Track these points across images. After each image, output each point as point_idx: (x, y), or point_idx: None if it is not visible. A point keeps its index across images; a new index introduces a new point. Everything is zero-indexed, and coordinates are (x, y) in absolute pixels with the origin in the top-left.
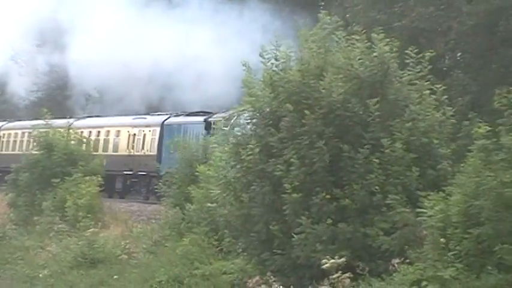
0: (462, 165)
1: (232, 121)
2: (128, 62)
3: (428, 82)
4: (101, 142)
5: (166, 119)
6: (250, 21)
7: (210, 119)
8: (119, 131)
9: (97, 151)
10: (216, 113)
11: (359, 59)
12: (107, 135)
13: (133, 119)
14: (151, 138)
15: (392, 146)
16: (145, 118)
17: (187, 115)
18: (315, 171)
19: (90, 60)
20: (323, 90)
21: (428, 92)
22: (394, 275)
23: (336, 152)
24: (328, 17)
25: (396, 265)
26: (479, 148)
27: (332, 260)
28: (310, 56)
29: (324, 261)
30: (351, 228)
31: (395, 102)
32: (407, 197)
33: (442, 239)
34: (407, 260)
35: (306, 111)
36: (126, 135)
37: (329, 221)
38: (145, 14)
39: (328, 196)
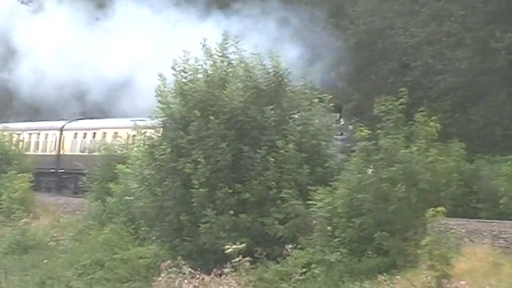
0: (346, 163)
1: None
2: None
3: (316, 91)
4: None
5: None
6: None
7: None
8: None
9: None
10: None
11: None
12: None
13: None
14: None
15: (286, 147)
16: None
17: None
18: (219, 168)
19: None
20: (226, 99)
21: (317, 100)
22: (287, 258)
23: (237, 152)
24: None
25: (289, 250)
26: (361, 149)
27: (234, 246)
28: (214, 68)
29: (226, 247)
30: (250, 218)
31: (288, 108)
32: (299, 191)
33: (329, 227)
34: (299, 246)
35: (211, 117)
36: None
37: (231, 212)
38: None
39: (230, 190)
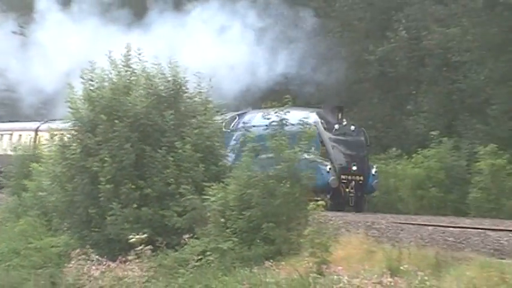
0: (237, 162)
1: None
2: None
3: (211, 99)
4: None
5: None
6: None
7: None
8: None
9: None
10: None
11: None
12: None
13: None
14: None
15: (184, 148)
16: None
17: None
18: (123, 167)
19: None
20: (129, 104)
21: (211, 105)
22: (185, 247)
23: (140, 152)
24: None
25: (187, 239)
26: (250, 149)
27: (137, 236)
28: (118, 77)
29: (130, 236)
30: (152, 211)
31: (186, 113)
32: (195, 187)
33: (222, 219)
34: (195, 236)
35: (116, 121)
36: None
37: (134, 205)
38: None
39: (133, 186)
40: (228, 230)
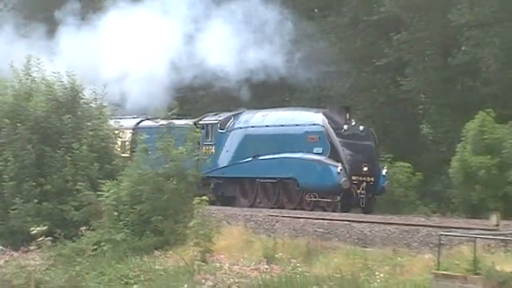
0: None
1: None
2: None
3: (106, 105)
4: None
5: None
6: None
7: None
8: None
9: None
10: None
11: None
12: None
13: None
14: None
15: (80, 148)
16: None
17: None
18: (25, 166)
19: None
20: (31, 109)
21: (106, 110)
22: (82, 238)
23: (40, 152)
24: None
25: (83, 231)
26: (140, 149)
27: (38, 228)
28: (20, 84)
29: (32, 229)
30: (51, 206)
31: (82, 117)
32: (91, 183)
33: (115, 213)
34: (91, 228)
35: (19, 124)
36: None
37: (35, 200)
38: None
39: (34, 183)
40: (120, 223)
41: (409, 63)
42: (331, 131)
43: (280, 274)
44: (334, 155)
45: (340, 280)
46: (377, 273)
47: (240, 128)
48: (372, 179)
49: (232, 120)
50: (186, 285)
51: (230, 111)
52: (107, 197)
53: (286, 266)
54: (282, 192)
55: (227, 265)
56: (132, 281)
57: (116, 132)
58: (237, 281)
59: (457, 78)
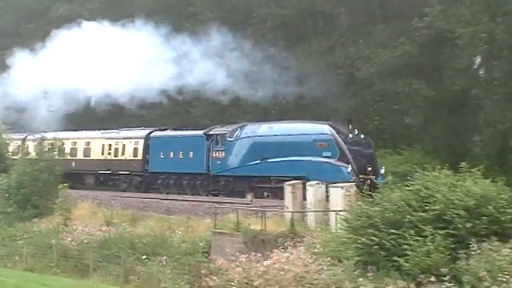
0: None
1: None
2: None
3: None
4: None
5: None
6: None
7: None
8: None
9: None
10: None
11: None
12: None
13: None
14: None
15: None
16: None
17: None
18: None
19: None
20: None
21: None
22: None
23: None
24: None
25: None
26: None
27: None
28: None
29: None
30: None
31: None
32: None
33: (7, 194)
34: None
35: None
36: None
37: None
38: None
39: None
40: (10, 201)
41: None
42: (339, 139)
43: (115, 232)
44: (343, 158)
45: (153, 236)
46: (177, 231)
47: (248, 136)
48: (375, 176)
49: (239, 130)
50: (53, 241)
51: (236, 123)
52: (1, 184)
53: (119, 228)
54: None
55: (80, 227)
56: (18, 238)
57: (7, 142)
58: (87, 237)
59: None
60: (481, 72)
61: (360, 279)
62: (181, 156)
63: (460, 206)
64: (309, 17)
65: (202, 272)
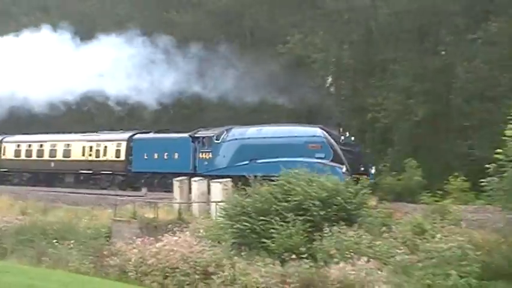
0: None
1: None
2: None
3: None
4: None
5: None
6: None
7: None
8: None
9: None
10: None
11: None
12: None
13: None
14: None
15: None
16: None
17: None
18: None
19: None
20: None
21: None
22: None
23: None
24: None
25: None
26: None
27: None
28: None
29: None
30: None
31: None
32: None
33: None
34: None
35: None
36: None
37: None
38: None
39: None
40: None
41: None
42: (332, 141)
43: (29, 221)
44: (337, 159)
45: (62, 223)
46: (83, 219)
47: (236, 139)
48: (366, 175)
49: (225, 133)
50: None
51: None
52: None
53: (33, 217)
54: None
55: (0, 217)
56: None
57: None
58: (5, 225)
59: None
60: (331, 89)
61: (235, 257)
62: (166, 157)
63: (316, 197)
64: None
65: (104, 253)
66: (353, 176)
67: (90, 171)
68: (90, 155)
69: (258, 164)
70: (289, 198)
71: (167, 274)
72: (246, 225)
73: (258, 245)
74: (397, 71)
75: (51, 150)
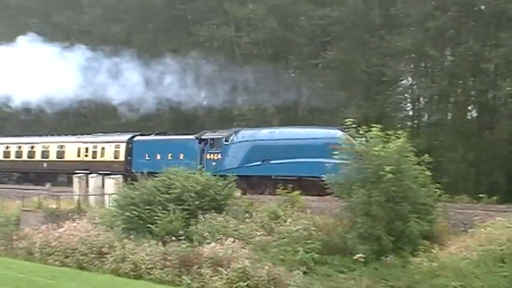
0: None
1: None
2: None
3: None
4: None
5: None
6: None
7: None
8: None
9: None
10: None
11: None
12: None
13: None
14: None
15: None
16: None
17: None
18: None
19: None
20: None
21: None
22: None
23: None
24: None
25: None
26: None
27: None
28: None
29: None
30: None
31: None
32: None
33: None
34: None
35: None
36: None
37: None
38: None
39: None
40: None
41: None
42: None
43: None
44: None
45: None
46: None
47: (247, 140)
48: None
49: (234, 135)
50: None
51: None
52: None
53: None
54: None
55: None
56: None
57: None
58: None
59: None
60: (204, 102)
61: (125, 240)
62: (170, 158)
63: (192, 190)
64: None
65: (14, 237)
66: None
67: (87, 172)
68: (86, 155)
69: (272, 165)
70: (170, 191)
71: (68, 254)
72: (134, 213)
73: (144, 229)
74: (256, 88)
75: (43, 151)
